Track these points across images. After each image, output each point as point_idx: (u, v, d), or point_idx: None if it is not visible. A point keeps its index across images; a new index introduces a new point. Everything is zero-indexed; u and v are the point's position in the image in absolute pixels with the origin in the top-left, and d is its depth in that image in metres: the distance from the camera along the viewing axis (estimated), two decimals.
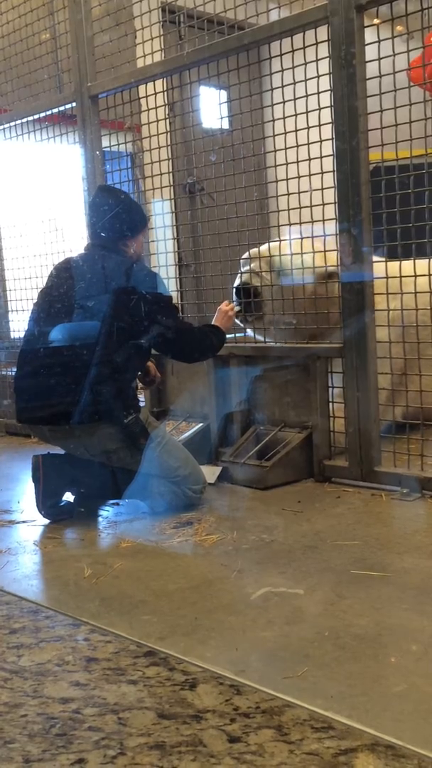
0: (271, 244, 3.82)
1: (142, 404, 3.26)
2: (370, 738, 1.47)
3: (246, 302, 3.76)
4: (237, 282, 3.87)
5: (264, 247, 3.81)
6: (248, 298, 3.76)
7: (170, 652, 1.89)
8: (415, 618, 2.01)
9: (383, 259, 3.29)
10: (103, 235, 3.23)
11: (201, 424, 3.80)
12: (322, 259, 3.55)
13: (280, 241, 3.71)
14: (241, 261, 3.90)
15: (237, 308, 3.65)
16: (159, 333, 3.09)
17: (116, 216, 3.21)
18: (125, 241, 3.24)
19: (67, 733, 1.54)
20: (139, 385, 3.51)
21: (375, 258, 3.25)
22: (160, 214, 4.20)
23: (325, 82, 3.24)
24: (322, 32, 3.23)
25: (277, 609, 2.12)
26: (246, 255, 3.87)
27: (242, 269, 3.88)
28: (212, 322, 3.43)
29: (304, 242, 3.57)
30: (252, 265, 3.81)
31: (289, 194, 3.48)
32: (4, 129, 4.97)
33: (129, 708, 1.62)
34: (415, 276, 3.17)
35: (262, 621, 2.05)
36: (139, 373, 3.41)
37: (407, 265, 3.21)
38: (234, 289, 3.86)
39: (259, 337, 3.89)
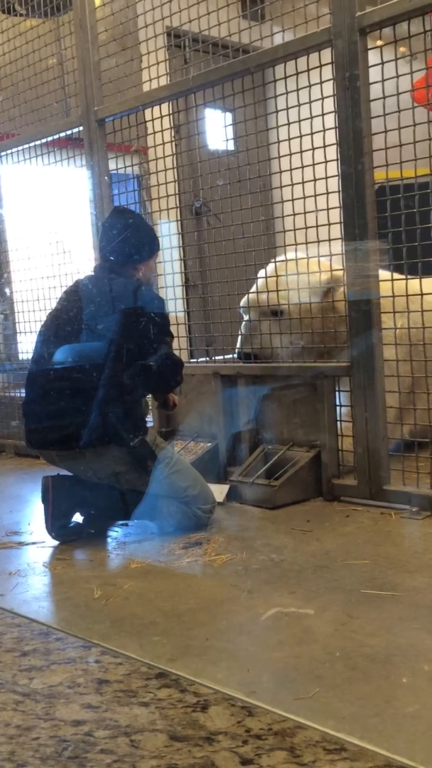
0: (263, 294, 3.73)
1: (150, 425, 3.26)
2: (384, 759, 1.46)
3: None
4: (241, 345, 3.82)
5: (263, 297, 3.72)
6: (252, 359, 3.79)
7: (181, 673, 1.88)
8: (427, 637, 2.00)
9: (389, 274, 3.30)
10: (113, 257, 3.23)
11: (209, 444, 3.80)
12: (325, 274, 3.56)
13: (268, 292, 3.68)
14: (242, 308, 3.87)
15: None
16: (159, 356, 3.09)
17: (128, 239, 3.22)
18: (135, 265, 3.24)
19: (79, 755, 1.53)
20: (152, 405, 3.49)
21: (382, 273, 3.26)
22: (167, 235, 4.23)
23: (330, 104, 3.27)
24: (326, 55, 3.26)
25: (287, 629, 2.11)
26: (244, 302, 3.84)
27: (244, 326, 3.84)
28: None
29: (303, 265, 3.58)
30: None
31: (294, 215, 3.50)
32: (12, 153, 5.03)
33: (141, 730, 1.61)
34: (422, 294, 3.18)
35: (272, 641, 2.04)
36: (150, 395, 3.40)
37: (414, 284, 3.22)
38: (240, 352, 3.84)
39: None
